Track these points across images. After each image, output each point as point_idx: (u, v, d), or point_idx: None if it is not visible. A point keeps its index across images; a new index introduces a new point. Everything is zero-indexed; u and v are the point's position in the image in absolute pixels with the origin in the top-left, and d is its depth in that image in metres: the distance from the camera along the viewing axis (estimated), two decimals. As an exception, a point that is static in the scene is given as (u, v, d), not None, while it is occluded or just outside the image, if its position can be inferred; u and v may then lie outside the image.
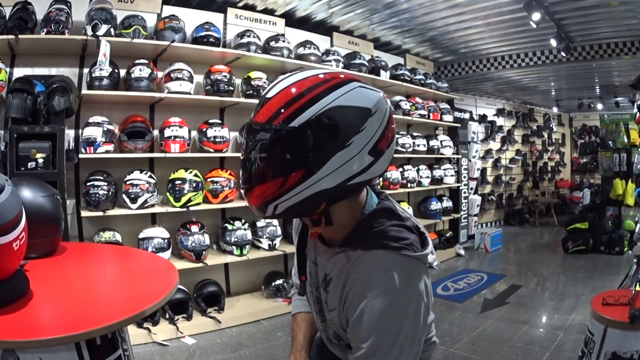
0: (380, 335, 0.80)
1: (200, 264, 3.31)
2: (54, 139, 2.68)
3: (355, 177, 0.82)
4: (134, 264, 1.72)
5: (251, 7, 4.13)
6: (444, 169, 5.79)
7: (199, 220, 3.46)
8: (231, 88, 3.61)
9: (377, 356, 0.80)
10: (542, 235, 7.66)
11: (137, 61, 3.26)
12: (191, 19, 3.63)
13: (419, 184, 5.32)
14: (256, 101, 3.74)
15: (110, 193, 3.07)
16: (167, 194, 3.36)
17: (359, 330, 0.82)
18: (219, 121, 3.66)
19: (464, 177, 6.33)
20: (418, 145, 5.31)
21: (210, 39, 3.54)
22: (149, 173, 3.30)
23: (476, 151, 6.59)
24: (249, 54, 3.70)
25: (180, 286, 3.12)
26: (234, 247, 3.53)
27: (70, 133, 3.11)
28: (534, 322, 3.45)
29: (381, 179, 4.58)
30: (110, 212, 3.09)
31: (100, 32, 2.98)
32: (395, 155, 5.15)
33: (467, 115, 6.72)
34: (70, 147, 2.96)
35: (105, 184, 3.07)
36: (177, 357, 2.83)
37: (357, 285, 0.84)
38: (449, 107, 5.92)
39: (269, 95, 0.83)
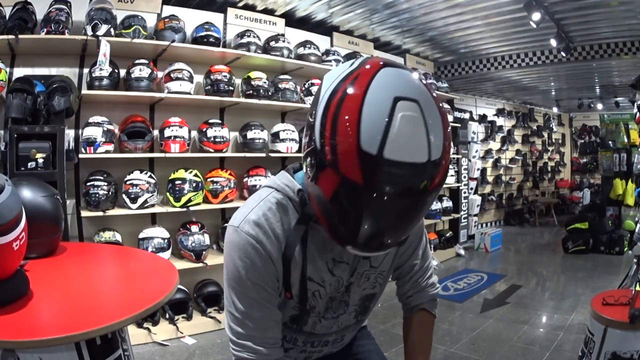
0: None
1: (200, 264, 3.31)
2: (54, 139, 2.68)
3: None
4: (134, 264, 1.72)
5: (251, 7, 4.13)
6: (444, 169, 5.77)
7: (199, 220, 3.45)
8: (231, 88, 3.61)
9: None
10: (542, 235, 7.66)
11: (137, 61, 3.26)
12: (191, 19, 3.63)
13: (419, 184, 5.31)
14: (256, 101, 3.68)
15: (110, 193, 3.07)
16: (167, 194, 3.36)
17: (420, 236, 1.09)
18: (219, 121, 3.66)
19: (464, 177, 6.33)
20: (418, 145, 5.29)
21: (210, 39, 3.54)
22: (149, 173, 3.30)
23: (476, 151, 6.59)
24: (249, 54, 3.70)
25: (180, 286, 3.12)
26: (234, 247, 3.52)
27: (70, 133, 3.11)
28: (534, 322, 3.45)
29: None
30: (110, 212, 3.09)
31: (100, 32, 2.98)
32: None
33: (467, 115, 6.72)
34: (70, 147, 2.96)
35: (105, 184, 3.07)
36: (177, 357, 2.83)
37: None
38: (449, 107, 5.92)
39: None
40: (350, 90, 0.71)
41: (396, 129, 0.66)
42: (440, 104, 0.74)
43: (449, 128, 0.74)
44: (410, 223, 0.78)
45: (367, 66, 0.74)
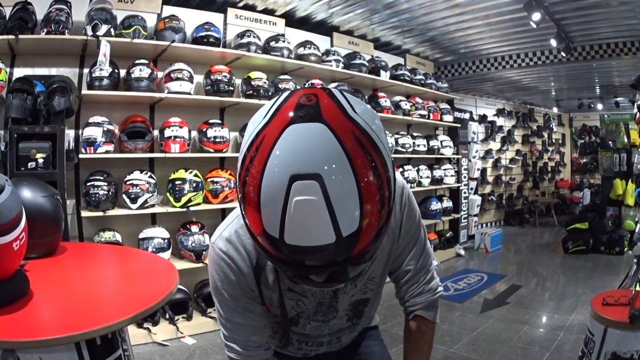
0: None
1: (200, 264, 3.31)
2: (54, 139, 2.67)
3: None
4: (134, 264, 1.72)
5: (251, 7, 4.13)
6: (444, 169, 5.78)
7: (199, 220, 3.46)
8: (231, 88, 3.61)
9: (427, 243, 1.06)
10: (542, 235, 7.66)
11: (137, 61, 3.26)
12: (191, 19, 3.63)
13: (419, 184, 5.32)
14: (256, 101, 3.68)
15: (110, 193, 3.07)
16: (167, 194, 3.36)
17: (415, 241, 1.02)
18: (219, 121, 3.66)
19: (464, 177, 6.33)
20: (418, 146, 5.31)
21: (210, 39, 3.53)
22: (149, 173, 3.30)
23: (476, 151, 6.59)
24: (249, 54, 3.70)
25: (180, 286, 3.12)
26: (234, 247, 3.52)
27: (70, 133, 3.11)
28: (534, 322, 3.45)
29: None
30: (110, 212, 3.09)
31: (100, 32, 2.98)
32: (395, 156, 5.19)
33: (467, 116, 6.72)
34: (70, 147, 2.96)
35: (105, 184, 3.07)
36: (177, 357, 2.83)
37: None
38: (449, 107, 5.92)
39: None
40: (253, 163, 0.65)
41: (292, 215, 0.61)
42: (359, 162, 0.63)
43: (384, 176, 0.66)
44: (343, 282, 0.73)
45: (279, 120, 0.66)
